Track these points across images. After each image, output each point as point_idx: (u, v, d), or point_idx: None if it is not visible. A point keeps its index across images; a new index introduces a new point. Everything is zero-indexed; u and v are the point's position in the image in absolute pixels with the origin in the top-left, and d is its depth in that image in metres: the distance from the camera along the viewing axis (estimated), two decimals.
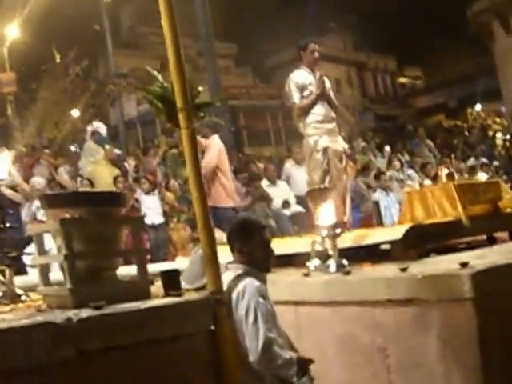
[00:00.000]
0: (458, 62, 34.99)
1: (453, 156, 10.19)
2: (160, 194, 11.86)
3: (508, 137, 20.38)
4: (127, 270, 4.29)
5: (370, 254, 6.34)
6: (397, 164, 13.68)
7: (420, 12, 31.99)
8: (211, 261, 3.88)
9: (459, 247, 6.64)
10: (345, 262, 5.73)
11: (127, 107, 28.10)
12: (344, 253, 5.93)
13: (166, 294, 3.91)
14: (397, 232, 5.93)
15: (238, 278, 4.16)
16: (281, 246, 7.02)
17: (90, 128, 14.48)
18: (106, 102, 25.85)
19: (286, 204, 11.82)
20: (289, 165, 12.88)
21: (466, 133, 24.35)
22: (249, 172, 13.01)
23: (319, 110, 8.02)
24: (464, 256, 5.47)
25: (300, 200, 11.61)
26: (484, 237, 7.04)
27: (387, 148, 14.93)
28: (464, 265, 4.52)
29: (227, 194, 9.79)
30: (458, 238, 6.66)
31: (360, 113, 35.73)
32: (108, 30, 24.34)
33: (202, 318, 3.75)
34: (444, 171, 7.39)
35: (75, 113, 22.50)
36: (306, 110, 8.00)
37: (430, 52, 35.68)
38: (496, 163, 16.76)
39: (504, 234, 7.20)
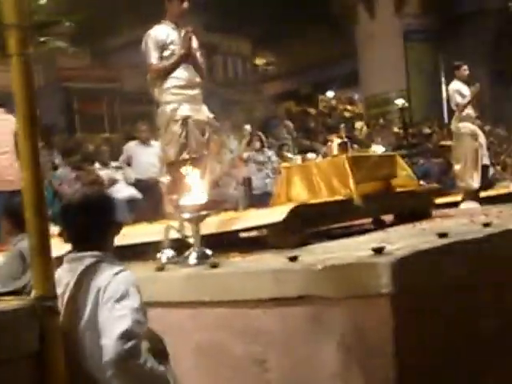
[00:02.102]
0: (316, 47, 34.76)
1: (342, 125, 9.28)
2: None
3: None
4: None
5: (236, 241, 5.48)
6: (257, 144, 12.84)
7: None
8: (40, 254, 2.76)
9: (342, 232, 5.80)
10: (208, 251, 4.76)
11: None
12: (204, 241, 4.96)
13: None
14: (275, 214, 4.96)
15: (93, 268, 2.98)
16: (123, 234, 6.09)
17: None
18: None
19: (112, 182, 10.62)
20: (132, 144, 11.68)
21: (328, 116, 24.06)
22: (81, 153, 11.80)
23: (181, 74, 6.88)
24: (363, 240, 4.62)
25: (142, 184, 10.54)
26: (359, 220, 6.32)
27: (247, 127, 14.06)
28: (378, 250, 3.57)
29: None
30: (345, 221, 5.81)
31: (206, 97, 34.94)
32: None
33: (24, 336, 2.68)
34: (336, 141, 6.39)
35: None
36: (165, 73, 6.90)
37: (286, 36, 35.28)
38: (356, 146, 16.31)
39: (389, 217, 6.43)
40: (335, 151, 6.17)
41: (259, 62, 33.88)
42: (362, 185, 5.64)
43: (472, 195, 9.64)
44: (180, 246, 5.01)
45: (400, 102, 19.91)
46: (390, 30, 24.25)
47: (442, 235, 3.99)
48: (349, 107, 30.07)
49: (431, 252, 3.67)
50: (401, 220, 6.12)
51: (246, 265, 4.36)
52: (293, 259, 3.90)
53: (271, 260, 4.29)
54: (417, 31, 24.83)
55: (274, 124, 16.79)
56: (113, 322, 2.81)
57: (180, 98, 6.76)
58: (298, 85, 36.60)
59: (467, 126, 10.55)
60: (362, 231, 5.62)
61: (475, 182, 10.66)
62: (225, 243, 5.32)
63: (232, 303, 4.06)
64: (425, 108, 23.88)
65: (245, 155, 12.70)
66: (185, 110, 6.72)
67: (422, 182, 8.01)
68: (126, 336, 2.76)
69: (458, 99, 10.56)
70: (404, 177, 6.33)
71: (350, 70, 28.16)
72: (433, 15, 24.27)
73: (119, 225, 3.27)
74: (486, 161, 16.30)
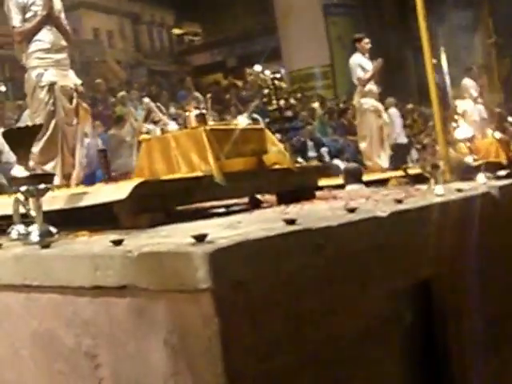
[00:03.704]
0: (240, 20, 34.44)
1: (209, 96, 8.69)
2: None
3: None
4: None
5: (97, 218, 4.93)
6: (157, 116, 12.44)
7: None
8: None
9: (214, 212, 5.35)
10: (52, 229, 4.28)
11: None
12: (63, 216, 4.66)
13: None
14: (123, 190, 4.48)
15: None
16: None
17: None
18: None
19: None
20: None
21: (242, 89, 23.62)
22: None
23: (45, 36, 6.58)
24: (211, 224, 4.15)
25: None
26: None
27: (146, 100, 13.70)
28: (200, 238, 3.05)
29: None
30: (210, 200, 5.34)
31: (132, 67, 34.38)
32: None
33: None
34: (194, 112, 5.90)
35: None
36: (28, 36, 6.51)
37: (211, 8, 34.80)
38: (267, 120, 15.88)
39: (272, 197, 5.99)
40: (193, 123, 5.71)
41: (179, 31, 33.15)
42: (227, 161, 5.18)
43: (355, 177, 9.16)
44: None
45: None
46: (310, 3, 23.87)
47: (290, 222, 3.52)
48: (277, 82, 29.81)
49: (265, 241, 3.16)
50: (283, 201, 5.67)
51: (75, 247, 3.86)
52: (116, 243, 3.40)
53: (99, 242, 3.81)
54: (337, 5, 24.49)
55: (182, 95, 16.38)
56: None
57: (45, 63, 6.40)
58: (224, 57, 36.13)
59: (369, 102, 10.20)
60: (227, 213, 5.19)
61: (383, 161, 10.32)
62: (83, 219, 4.86)
63: (60, 289, 3.59)
64: (348, 84, 23.58)
65: (145, 128, 12.30)
66: (50, 76, 6.34)
67: (300, 160, 7.56)
68: None
69: (360, 73, 10.21)
70: (276, 153, 5.86)
71: (273, 44, 27.79)
72: None
73: None
74: (402, 139, 16.08)
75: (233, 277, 2.95)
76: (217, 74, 34.69)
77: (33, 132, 4.62)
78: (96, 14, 37.54)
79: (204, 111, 5.94)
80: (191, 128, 5.67)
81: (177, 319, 3.06)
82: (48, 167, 6.44)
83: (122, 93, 14.94)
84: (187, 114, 5.95)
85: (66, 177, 6.68)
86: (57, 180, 6.45)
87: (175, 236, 3.70)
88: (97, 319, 3.45)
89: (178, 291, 2.99)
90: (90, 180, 8.80)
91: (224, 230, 3.66)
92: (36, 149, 6.21)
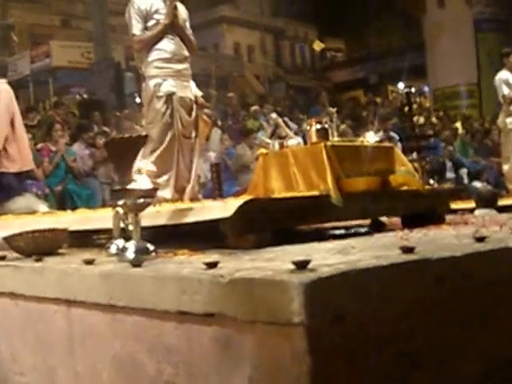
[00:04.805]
0: (384, 36, 34.16)
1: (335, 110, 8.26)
2: None
3: None
4: None
5: (202, 236, 4.69)
6: (283, 132, 12.36)
7: None
8: None
9: (331, 234, 5.02)
10: (150, 246, 4.10)
11: (20, 64, 27.25)
12: (167, 233, 4.59)
13: None
14: (229, 207, 4.22)
15: None
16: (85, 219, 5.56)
17: None
18: None
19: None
20: None
21: (380, 106, 23.18)
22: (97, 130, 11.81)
23: (166, 46, 6.45)
24: (322, 248, 3.82)
25: None
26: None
27: (273, 115, 13.65)
28: (301, 265, 2.72)
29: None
30: (326, 222, 5.01)
31: (272, 82, 34.66)
32: None
33: None
34: (315, 126, 5.57)
35: None
36: (148, 44, 6.40)
37: (355, 24, 34.71)
38: (404, 138, 15.32)
39: (398, 220, 5.61)
40: (314, 138, 5.38)
41: (317, 47, 32.99)
42: (348, 180, 4.83)
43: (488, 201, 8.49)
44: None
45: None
46: (460, 19, 23.23)
47: (407, 250, 3.14)
48: (418, 99, 29.32)
49: (374, 271, 2.80)
50: (409, 224, 5.27)
51: (169, 267, 3.61)
52: (210, 266, 3.12)
53: (193, 264, 3.53)
54: (489, 20, 23.74)
55: (316, 111, 16.18)
56: None
57: (164, 72, 6.25)
58: (366, 74, 35.84)
59: None
60: (344, 235, 4.86)
61: None
62: (187, 237, 4.66)
63: (145, 312, 3.36)
64: (495, 103, 22.79)
65: (267, 143, 12.19)
66: (169, 86, 6.19)
67: (432, 181, 7.12)
68: None
69: (505, 91, 9.64)
70: (404, 174, 5.45)
71: (418, 61, 27.22)
72: (505, 2, 23.17)
73: None
74: None
75: (332, 311, 2.61)
76: (357, 91, 34.45)
77: (135, 143, 4.41)
78: (238, 28, 38.10)
79: (326, 125, 5.62)
80: (311, 143, 5.39)
81: (264, 354, 2.75)
82: (161, 180, 6.28)
83: (255, 107, 15.06)
84: (308, 128, 5.64)
85: (180, 191, 6.51)
86: (169, 194, 6.34)
87: (279, 260, 3.37)
88: (180, 347, 3.19)
89: (269, 323, 2.67)
90: (211, 195, 8.63)
91: (333, 256, 3.33)
92: (150, 160, 6.07)
